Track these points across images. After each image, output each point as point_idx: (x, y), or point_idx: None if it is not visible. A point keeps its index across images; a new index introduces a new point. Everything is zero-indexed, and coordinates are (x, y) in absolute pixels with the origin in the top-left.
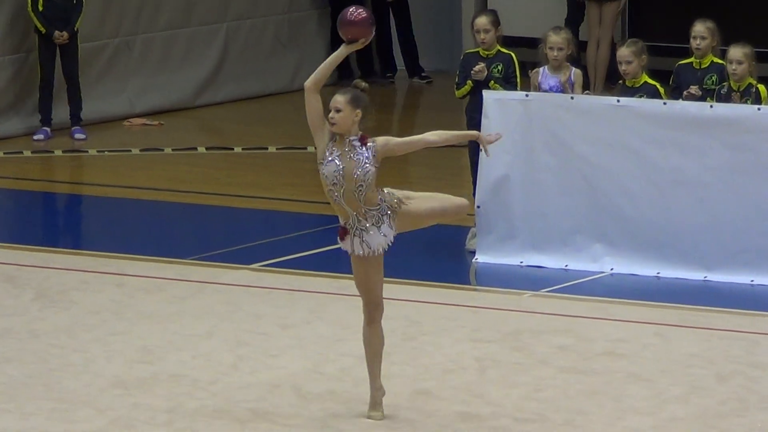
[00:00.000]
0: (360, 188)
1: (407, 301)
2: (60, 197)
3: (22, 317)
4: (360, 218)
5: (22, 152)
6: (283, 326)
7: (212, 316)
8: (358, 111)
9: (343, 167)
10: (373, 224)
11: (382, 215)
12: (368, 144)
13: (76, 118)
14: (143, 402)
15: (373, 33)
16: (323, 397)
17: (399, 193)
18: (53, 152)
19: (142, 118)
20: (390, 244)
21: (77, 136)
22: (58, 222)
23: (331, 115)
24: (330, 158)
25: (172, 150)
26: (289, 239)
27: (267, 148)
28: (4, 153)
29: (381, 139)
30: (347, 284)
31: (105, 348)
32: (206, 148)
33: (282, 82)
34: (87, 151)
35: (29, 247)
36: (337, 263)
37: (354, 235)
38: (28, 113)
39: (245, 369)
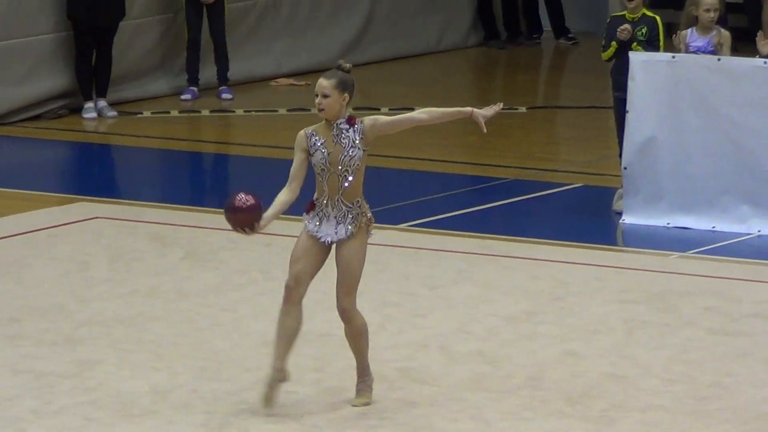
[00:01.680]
0: (345, 173)
1: (555, 262)
2: (207, 157)
3: (170, 276)
4: (330, 204)
5: (169, 112)
6: (430, 286)
7: None
8: (346, 95)
9: (329, 153)
10: (335, 217)
11: (347, 215)
12: (356, 125)
13: (222, 78)
14: (291, 361)
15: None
16: (470, 357)
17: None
18: (200, 112)
19: (288, 79)
20: (329, 242)
21: (224, 96)
22: (205, 182)
23: (318, 101)
24: (315, 147)
25: None
26: (436, 199)
27: (413, 109)
28: (152, 113)
29: (369, 119)
30: (495, 244)
31: (253, 307)
32: (352, 108)
33: (428, 42)
34: (234, 111)
35: (177, 206)
36: (485, 224)
37: (316, 214)
38: (176, 73)
39: (392, 329)
